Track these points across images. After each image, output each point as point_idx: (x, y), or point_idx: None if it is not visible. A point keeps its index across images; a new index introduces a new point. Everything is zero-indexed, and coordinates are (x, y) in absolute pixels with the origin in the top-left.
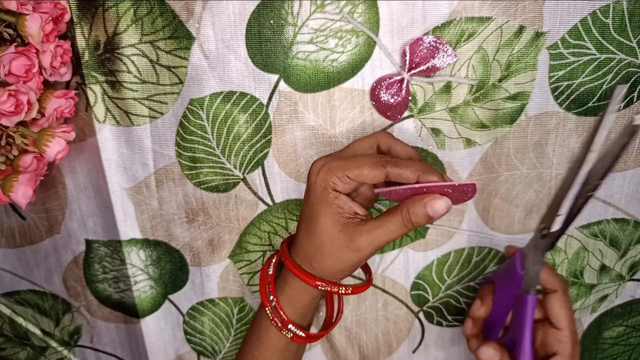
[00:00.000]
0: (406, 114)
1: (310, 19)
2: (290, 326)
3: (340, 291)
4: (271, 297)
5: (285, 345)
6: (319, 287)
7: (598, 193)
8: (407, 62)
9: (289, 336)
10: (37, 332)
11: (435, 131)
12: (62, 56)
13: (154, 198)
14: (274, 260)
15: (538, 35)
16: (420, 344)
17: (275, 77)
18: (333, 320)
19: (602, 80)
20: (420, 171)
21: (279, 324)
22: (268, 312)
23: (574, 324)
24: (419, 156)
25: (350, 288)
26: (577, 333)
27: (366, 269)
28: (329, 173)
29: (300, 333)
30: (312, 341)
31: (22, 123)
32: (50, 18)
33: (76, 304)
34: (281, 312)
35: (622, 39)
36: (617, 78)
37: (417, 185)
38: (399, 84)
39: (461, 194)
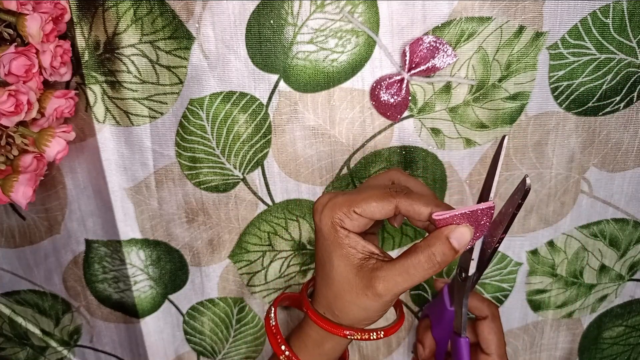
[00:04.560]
0: (406, 114)
1: (310, 19)
2: None
3: (372, 337)
4: (283, 347)
5: None
6: (349, 337)
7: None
8: (407, 62)
9: None
10: (37, 332)
11: (435, 131)
12: (62, 56)
13: (154, 198)
14: (273, 312)
15: (538, 35)
16: None
17: (275, 77)
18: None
19: (602, 80)
20: (434, 205)
21: None
22: None
23: (504, 349)
24: (434, 195)
25: (382, 332)
26: (506, 357)
27: (396, 304)
28: (334, 209)
29: None
30: None
31: (22, 123)
32: (50, 18)
33: (76, 304)
34: None
35: (622, 39)
36: (617, 78)
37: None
38: (399, 84)
39: (486, 217)
